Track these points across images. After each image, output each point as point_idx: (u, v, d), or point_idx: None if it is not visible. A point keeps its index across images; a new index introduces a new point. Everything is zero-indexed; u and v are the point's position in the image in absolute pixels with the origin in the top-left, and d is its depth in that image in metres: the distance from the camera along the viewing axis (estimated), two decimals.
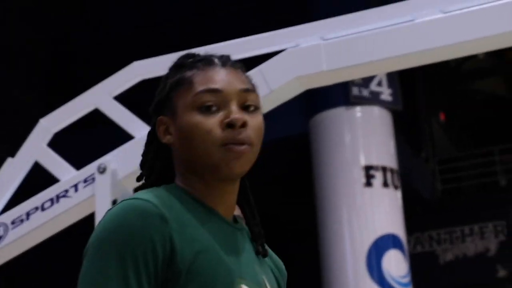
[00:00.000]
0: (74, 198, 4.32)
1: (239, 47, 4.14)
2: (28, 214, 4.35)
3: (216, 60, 1.45)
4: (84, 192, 4.40)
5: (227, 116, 1.36)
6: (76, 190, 4.36)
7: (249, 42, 4.22)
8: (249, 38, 4.18)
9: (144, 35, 14.74)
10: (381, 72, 8.61)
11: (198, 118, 1.38)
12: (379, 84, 10.15)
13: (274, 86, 4.24)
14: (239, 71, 1.46)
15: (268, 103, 4.14)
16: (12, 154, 4.54)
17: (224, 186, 1.43)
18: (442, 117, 17.44)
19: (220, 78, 1.40)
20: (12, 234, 4.45)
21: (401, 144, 11.30)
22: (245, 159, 1.39)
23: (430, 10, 3.77)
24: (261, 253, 1.54)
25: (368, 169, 9.75)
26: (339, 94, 9.77)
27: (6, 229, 4.52)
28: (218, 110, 1.38)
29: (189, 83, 1.42)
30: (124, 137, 4.37)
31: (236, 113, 1.36)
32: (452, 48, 3.93)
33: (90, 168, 4.35)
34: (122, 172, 4.39)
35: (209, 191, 1.43)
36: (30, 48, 14.32)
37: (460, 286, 15.53)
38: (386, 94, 10.34)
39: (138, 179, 1.60)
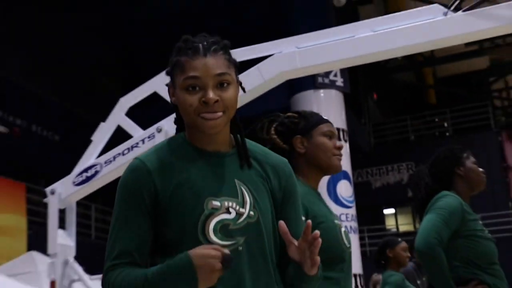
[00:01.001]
0: (142, 147, 4.23)
1: (245, 52, 4.08)
2: (114, 157, 4.32)
3: (201, 49, 1.34)
4: (148, 144, 4.30)
5: (203, 96, 1.30)
6: (143, 143, 4.27)
7: (252, 49, 4.10)
8: (251, 46, 4.07)
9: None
10: (334, 68, 8.59)
11: (185, 96, 1.33)
12: (335, 75, 10.13)
13: (267, 77, 4.16)
14: (220, 55, 1.34)
15: (262, 88, 4.27)
16: (104, 120, 4.50)
17: (209, 135, 1.35)
18: (375, 96, 17.51)
19: (201, 66, 1.32)
20: (105, 169, 4.37)
21: (349, 114, 11.21)
22: (218, 121, 1.31)
23: (365, 29, 3.76)
24: (245, 164, 1.39)
25: None
26: (309, 82, 9.67)
27: (101, 166, 4.42)
28: (200, 89, 1.31)
29: (181, 67, 1.35)
30: (173, 109, 4.23)
31: (209, 94, 1.30)
32: (378, 54, 3.91)
33: (151, 129, 4.28)
34: (171, 131, 4.22)
35: (200, 137, 1.36)
36: (113, 52, 14.15)
37: (385, 203, 15.93)
38: (339, 81, 10.30)
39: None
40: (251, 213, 1.28)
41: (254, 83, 4.26)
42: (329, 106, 10.10)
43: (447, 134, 16.69)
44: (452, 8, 3.66)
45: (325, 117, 2.01)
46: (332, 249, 1.79)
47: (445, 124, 16.79)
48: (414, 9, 3.98)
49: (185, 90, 1.34)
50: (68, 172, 4.60)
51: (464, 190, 2.67)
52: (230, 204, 1.28)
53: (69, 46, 11.39)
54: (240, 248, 1.26)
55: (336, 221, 1.88)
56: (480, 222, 2.70)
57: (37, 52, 10.37)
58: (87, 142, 4.64)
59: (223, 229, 1.25)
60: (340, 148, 1.94)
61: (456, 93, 18.05)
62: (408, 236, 12.74)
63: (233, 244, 1.24)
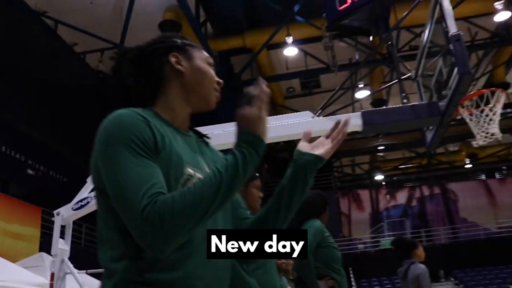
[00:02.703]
0: None
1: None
2: None
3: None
4: None
5: (217, 78, 1.37)
6: None
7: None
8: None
9: None
10: None
11: (208, 68, 1.35)
12: None
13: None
14: None
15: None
16: None
17: (189, 113, 1.33)
18: (266, 165, 20.60)
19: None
20: (93, 201, 4.91)
21: None
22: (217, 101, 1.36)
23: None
24: (203, 144, 1.38)
25: None
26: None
27: (91, 199, 5.14)
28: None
29: (199, 49, 1.37)
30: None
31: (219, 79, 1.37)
32: (274, 138, 4.76)
33: None
34: None
35: (175, 115, 1.29)
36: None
37: None
38: None
39: (123, 100, 1.31)
40: None
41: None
42: None
43: None
44: (317, 114, 5.52)
45: None
46: None
47: None
48: (293, 113, 5.11)
49: (208, 64, 1.36)
50: (70, 201, 5.39)
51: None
52: (198, 175, 1.19)
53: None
54: None
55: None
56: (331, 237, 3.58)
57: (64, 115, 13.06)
58: (84, 182, 5.39)
59: None
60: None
61: None
62: None
63: None
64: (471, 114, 5.18)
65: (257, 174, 2.69)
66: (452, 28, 4.40)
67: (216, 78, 1.39)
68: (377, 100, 18.01)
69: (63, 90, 13.37)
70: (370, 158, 23.99)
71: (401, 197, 22.55)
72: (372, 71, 17.12)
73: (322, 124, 4.76)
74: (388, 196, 21.43)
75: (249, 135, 1.15)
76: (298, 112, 5.15)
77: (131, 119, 1.13)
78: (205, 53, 1.40)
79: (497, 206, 23.36)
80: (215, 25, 14.96)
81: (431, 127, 5.61)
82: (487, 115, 5.02)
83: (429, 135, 5.82)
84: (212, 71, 1.38)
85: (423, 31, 5.47)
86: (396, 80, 5.83)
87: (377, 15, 5.46)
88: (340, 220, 20.65)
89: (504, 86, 16.59)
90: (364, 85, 16.96)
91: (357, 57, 15.60)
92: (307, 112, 4.98)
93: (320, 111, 5.39)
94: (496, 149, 23.65)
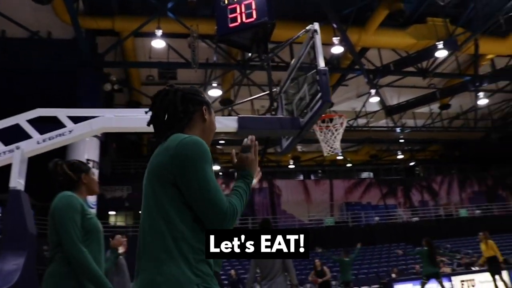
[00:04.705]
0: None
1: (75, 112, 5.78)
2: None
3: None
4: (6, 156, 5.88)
5: None
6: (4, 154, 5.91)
7: (82, 111, 5.75)
8: (84, 110, 5.91)
9: None
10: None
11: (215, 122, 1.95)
12: None
13: (94, 128, 5.81)
14: None
15: (88, 135, 6.07)
16: None
17: None
18: (114, 146, 22.40)
19: None
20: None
21: (100, 153, 15.91)
22: None
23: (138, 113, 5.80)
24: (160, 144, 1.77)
25: None
26: None
27: None
28: None
29: (213, 109, 1.93)
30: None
31: None
32: (140, 128, 5.19)
33: (12, 146, 5.83)
34: (26, 149, 5.96)
35: None
36: None
37: (111, 208, 23.03)
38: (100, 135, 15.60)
39: (166, 127, 1.81)
40: None
41: (84, 131, 5.89)
42: (90, 148, 14.69)
43: None
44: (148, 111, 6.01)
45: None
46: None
47: None
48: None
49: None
50: None
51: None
52: None
53: None
54: None
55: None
56: None
57: None
58: None
59: None
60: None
61: None
62: (122, 228, 21.15)
63: None
64: (321, 131, 6.26)
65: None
66: (321, 63, 5.40)
67: None
68: (225, 99, 19.07)
69: None
70: (211, 150, 25.06)
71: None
72: (225, 73, 18.11)
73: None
74: (223, 186, 22.71)
75: (249, 174, 1.81)
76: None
77: (207, 146, 1.70)
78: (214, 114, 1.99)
79: (310, 202, 26.98)
80: (87, 3, 14.78)
81: (288, 137, 6.61)
82: (332, 133, 6.15)
83: (284, 142, 6.85)
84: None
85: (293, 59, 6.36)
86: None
87: (259, 37, 6.20)
88: None
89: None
90: (217, 85, 17.81)
91: (214, 58, 16.37)
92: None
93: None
94: (314, 155, 26.74)
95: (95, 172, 13.62)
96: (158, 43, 14.96)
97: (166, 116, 1.80)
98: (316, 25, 5.60)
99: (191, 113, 1.83)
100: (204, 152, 1.63)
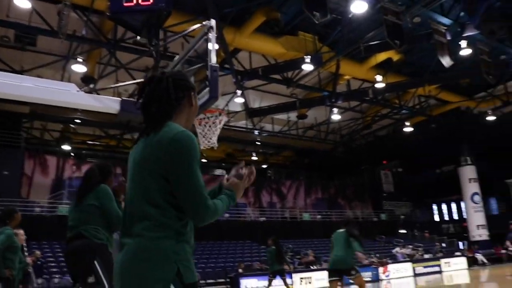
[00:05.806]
0: None
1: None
2: None
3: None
4: None
5: None
6: None
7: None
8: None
9: None
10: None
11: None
12: None
13: None
14: None
15: None
16: None
17: None
18: None
19: None
20: None
21: None
22: None
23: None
24: (144, 136, 1.85)
25: None
26: None
27: None
28: None
29: (196, 93, 1.97)
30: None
31: None
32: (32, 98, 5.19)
33: None
34: None
35: None
36: None
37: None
38: None
39: (157, 116, 1.85)
40: None
41: None
42: None
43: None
44: (81, 90, 5.77)
45: None
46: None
47: None
48: (57, 81, 5.53)
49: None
50: None
51: None
52: None
53: None
54: None
55: None
56: None
57: None
58: None
59: None
60: None
61: None
62: None
63: None
64: (200, 124, 6.42)
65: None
66: (213, 60, 5.52)
67: None
68: (87, 77, 18.12)
69: None
70: (63, 128, 23.57)
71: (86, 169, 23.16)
72: (92, 50, 17.22)
73: (82, 99, 5.34)
74: (74, 167, 21.51)
75: (234, 195, 1.98)
76: (62, 82, 5.63)
77: (196, 142, 1.80)
78: None
79: None
80: None
81: None
82: (210, 127, 6.36)
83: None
84: None
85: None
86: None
87: (152, 23, 6.11)
88: (21, 181, 19.85)
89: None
90: (83, 60, 16.88)
91: (84, 32, 15.50)
92: (72, 84, 5.43)
93: (85, 87, 5.69)
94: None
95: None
96: (22, 2, 13.66)
97: (159, 104, 1.85)
98: (212, 22, 5.70)
99: (181, 98, 1.89)
100: (195, 149, 1.75)
